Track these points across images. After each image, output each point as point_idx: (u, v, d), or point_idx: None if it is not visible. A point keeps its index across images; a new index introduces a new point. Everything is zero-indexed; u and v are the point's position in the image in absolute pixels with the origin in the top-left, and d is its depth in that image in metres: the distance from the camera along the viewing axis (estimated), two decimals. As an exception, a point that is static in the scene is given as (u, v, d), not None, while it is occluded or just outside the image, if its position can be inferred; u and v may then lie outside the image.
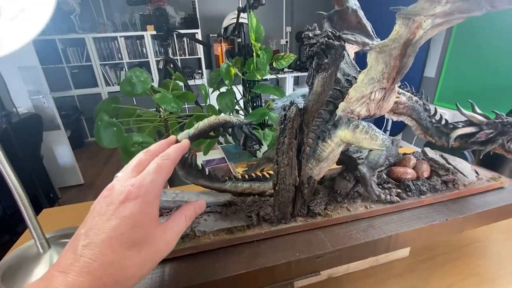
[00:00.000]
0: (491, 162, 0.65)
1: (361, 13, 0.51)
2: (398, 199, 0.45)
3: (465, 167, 0.53)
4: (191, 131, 0.36)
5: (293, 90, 4.60)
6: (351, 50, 0.55)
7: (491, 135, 0.47)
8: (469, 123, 0.49)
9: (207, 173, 0.45)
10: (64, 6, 3.06)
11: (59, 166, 2.40)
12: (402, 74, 0.44)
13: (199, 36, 3.41)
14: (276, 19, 4.29)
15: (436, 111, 0.53)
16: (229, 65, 0.97)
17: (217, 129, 0.37)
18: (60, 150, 2.37)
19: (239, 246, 0.38)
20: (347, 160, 0.49)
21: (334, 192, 0.47)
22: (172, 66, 1.66)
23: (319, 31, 0.31)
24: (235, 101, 1.07)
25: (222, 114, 0.41)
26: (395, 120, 0.55)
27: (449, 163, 0.54)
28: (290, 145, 0.36)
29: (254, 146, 0.43)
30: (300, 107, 0.35)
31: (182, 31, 1.87)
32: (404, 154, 0.56)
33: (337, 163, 0.51)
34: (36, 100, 2.15)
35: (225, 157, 1.08)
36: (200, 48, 3.57)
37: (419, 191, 0.47)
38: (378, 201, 0.45)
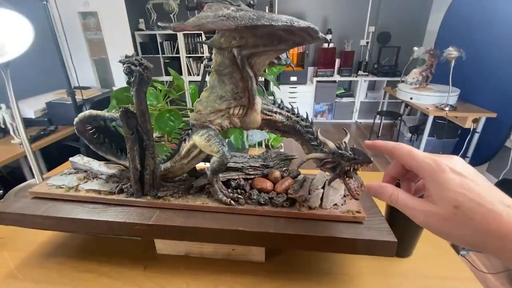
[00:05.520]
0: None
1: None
2: (233, 202, 0.51)
3: (335, 194, 0.52)
4: (76, 119, 0.54)
5: (366, 95, 4.26)
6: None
7: (333, 165, 0.46)
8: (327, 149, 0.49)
9: (116, 151, 0.62)
10: (167, 7, 3.75)
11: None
12: (254, 96, 0.49)
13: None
14: (359, 17, 4.02)
15: (317, 135, 0.53)
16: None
17: (94, 120, 0.53)
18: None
19: (99, 204, 0.54)
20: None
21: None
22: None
23: (133, 58, 0.43)
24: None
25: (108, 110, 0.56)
26: (279, 137, 0.58)
27: (324, 186, 0.55)
28: (127, 139, 0.49)
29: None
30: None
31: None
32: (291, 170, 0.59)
33: (210, 164, 0.59)
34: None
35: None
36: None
37: (257, 201, 0.51)
38: (217, 200, 0.52)
